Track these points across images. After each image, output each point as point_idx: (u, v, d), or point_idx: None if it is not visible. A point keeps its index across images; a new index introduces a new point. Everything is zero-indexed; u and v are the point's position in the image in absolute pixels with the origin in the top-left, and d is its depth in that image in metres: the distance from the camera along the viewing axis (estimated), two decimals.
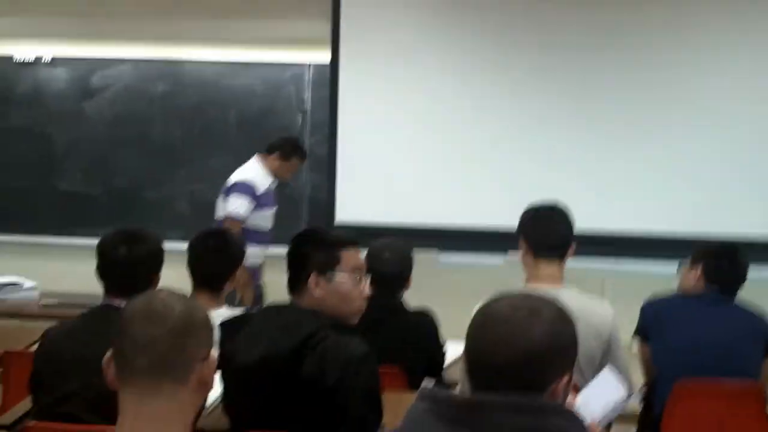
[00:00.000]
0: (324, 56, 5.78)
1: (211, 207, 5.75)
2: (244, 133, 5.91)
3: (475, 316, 1.68)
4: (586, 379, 2.50)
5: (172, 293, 1.74)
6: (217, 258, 3.38)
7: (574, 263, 3.24)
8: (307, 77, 5.92)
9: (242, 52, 5.97)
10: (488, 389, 1.60)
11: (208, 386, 1.72)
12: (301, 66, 5.94)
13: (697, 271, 3.58)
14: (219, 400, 2.80)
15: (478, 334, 1.65)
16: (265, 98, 5.93)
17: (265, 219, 5.25)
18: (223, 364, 2.47)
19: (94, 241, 2.91)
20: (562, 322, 1.65)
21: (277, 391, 2.44)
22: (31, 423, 2.51)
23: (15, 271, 5.15)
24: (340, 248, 2.61)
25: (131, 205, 5.88)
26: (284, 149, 5.34)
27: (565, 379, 1.63)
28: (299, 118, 5.89)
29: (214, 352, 1.72)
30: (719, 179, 5.44)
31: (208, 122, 5.94)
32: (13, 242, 5.83)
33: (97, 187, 5.96)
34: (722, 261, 3.59)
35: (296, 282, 2.60)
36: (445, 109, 5.67)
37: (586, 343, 2.05)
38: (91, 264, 2.86)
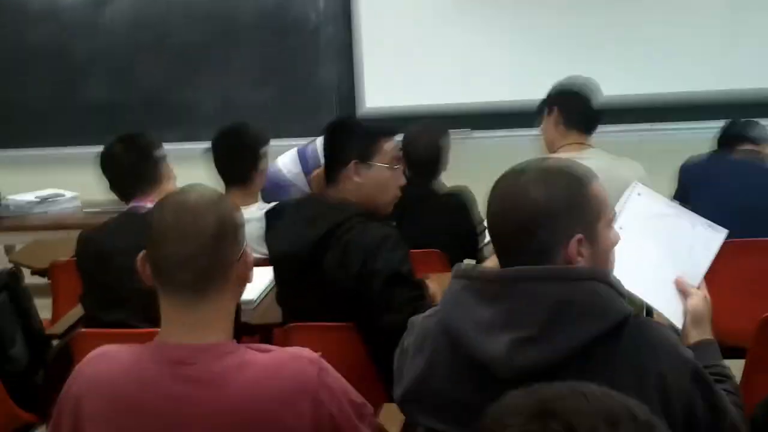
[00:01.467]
0: None
1: (237, 103, 5.72)
2: (261, 26, 5.77)
3: (491, 189, 1.70)
4: None
5: (199, 196, 1.69)
6: (236, 153, 3.42)
7: (608, 132, 3.22)
8: None
9: None
10: (507, 257, 1.64)
11: (246, 281, 1.73)
12: None
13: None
14: (263, 296, 2.86)
15: (489, 206, 1.68)
16: None
17: None
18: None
19: None
20: (566, 183, 1.64)
21: (305, 283, 2.47)
22: (82, 331, 2.57)
23: (52, 184, 5.22)
24: (380, 137, 2.60)
25: (158, 109, 5.84)
26: None
27: (576, 238, 1.61)
28: (317, 5, 5.76)
29: (249, 248, 1.73)
30: (756, 35, 5.29)
31: (225, 19, 5.81)
32: (47, 156, 5.88)
33: (123, 94, 5.92)
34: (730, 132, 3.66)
35: (333, 171, 2.60)
36: None
37: (616, 199, 2.03)
38: None
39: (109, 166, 2.94)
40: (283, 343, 2.30)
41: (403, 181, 2.65)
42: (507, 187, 1.66)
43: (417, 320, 1.79)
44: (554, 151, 3.17)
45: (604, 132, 3.48)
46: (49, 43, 5.95)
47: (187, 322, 1.65)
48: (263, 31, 5.78)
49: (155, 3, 5.87)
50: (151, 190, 2.87)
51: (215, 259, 1.64)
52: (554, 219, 1.60)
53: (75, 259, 2.89)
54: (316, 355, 1.68)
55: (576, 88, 3.27)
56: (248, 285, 1.77)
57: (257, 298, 2.88)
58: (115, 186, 2.95)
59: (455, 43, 5.51)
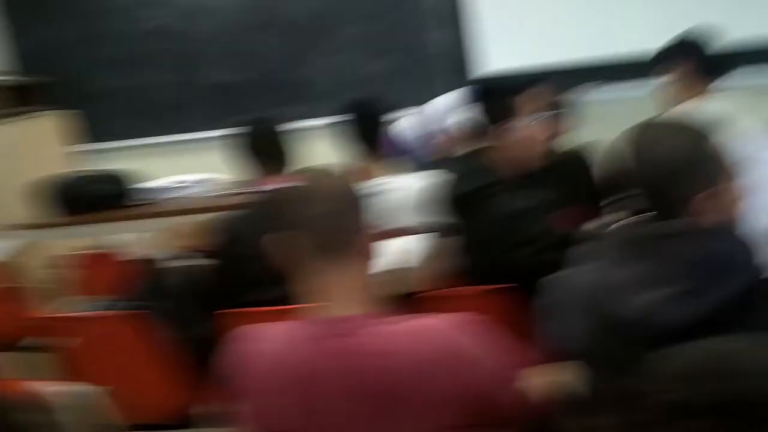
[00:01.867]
0: None
1: (352, 77, 5.75)
2: None
3: (627, 144, 1.71)
4: None
5: (326, 173, 1.81)
6: (374, 123, 3.46)
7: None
8: None
9: None
10: (651, 208, 1.67)
11: (372, 254, 1.79)
12: None
13: None
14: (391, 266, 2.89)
15: (633, 159, 1.70)
16: None
17: None
18: None
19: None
20: (692, 138, 1.66)
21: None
22: (226, 311, 2.66)
23: (181, 170, 5.37)
24: (511, 96, 2.61)
25: (277, 88, 5.94)
26: None
27: (705, 192, 1.63)
28: None
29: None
30: None
31: None
32: (170, 142, 6.07)
33: (240, 76, 6.03)
34: None
35: (478, 136, 2.68)
36: None
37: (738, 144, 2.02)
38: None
39: (251, 147, 3.03)
40: (436, 309, 2.33)
41: (548, 130, 2.66)
42: (639, 143, 1.68)
43: (558, 279, 1.80)
44: (680, 103, 3.14)
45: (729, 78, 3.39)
46: (163, 29, 6.07)
47: (325, 292, 1.72)
48: (370, 2, 5.76)
49: None
50: (283, 171, 2.95)
51: (341, 226, 1.73)
52: (682, 174, 1.62)
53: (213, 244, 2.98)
54: (463, 320, 1.71)
55: (699, 39, 3.24)
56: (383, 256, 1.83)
57: (385, 270, 2.90)
58: (253, 166, 3.03)
59: None
